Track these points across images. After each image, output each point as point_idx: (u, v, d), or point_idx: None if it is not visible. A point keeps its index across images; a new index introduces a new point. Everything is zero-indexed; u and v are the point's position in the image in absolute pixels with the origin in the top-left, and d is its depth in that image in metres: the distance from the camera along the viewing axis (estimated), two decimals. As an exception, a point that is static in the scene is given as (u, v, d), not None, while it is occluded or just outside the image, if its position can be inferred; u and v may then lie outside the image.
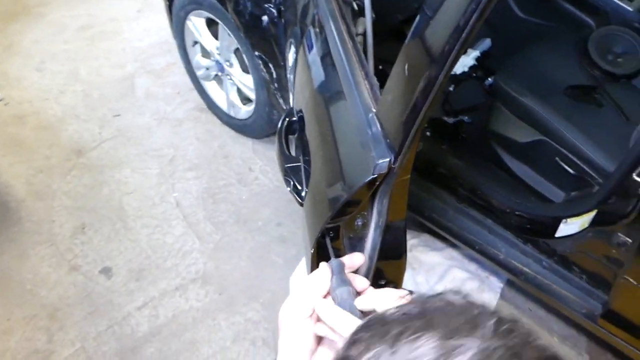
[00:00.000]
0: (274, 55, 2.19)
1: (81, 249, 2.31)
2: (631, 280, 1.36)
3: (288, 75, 1.88)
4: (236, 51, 2.50)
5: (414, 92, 0.65)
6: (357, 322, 0.67)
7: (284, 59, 2.14)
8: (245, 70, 2.51)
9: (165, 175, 2.65)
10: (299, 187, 0.94)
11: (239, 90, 2.67)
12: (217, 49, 2.59)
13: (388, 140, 0.71)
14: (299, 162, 0.98)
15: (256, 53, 2.24)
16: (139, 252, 2.30)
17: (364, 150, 0.75)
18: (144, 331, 2.03)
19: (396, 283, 1.07)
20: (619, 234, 1.46)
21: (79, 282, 2.19)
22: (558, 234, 1.62)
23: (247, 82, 2.53)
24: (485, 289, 2.12)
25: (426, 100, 0.64)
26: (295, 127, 1.13)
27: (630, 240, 1.41)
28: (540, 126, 1.86)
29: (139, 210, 2.47)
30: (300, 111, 1.10)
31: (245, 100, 2.72)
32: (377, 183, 0.73)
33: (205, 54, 2.74)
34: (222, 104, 2.84)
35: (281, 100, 2.32)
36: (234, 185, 2.61)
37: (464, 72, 2.34)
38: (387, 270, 0.98)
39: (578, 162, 1.79)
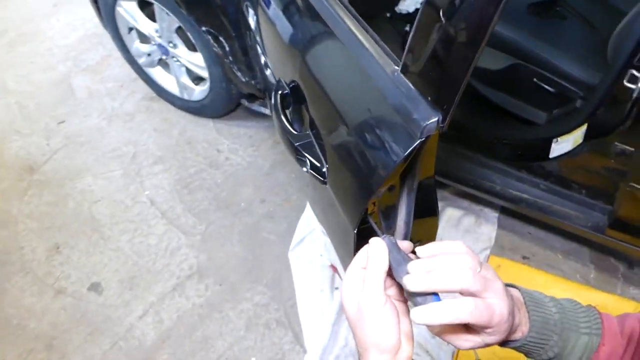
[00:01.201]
0: (223, 27, 2.05)
1: (61, 270, 2.17)
2: (637, 186, 1.37)
3: (251, 43, 1.75)
4: (178, 30, 2.33)
5: (457, 39, 0.58)
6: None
7: (237, 28, 2.01)
8: (192, 48, 2.35)
9: (130, 174, 2.50)
10: (318, 164, 0.86)
11: (189, 71, 2.52)
12: (157, 31, 2.41)
13: (429, 98, 0.64)
14: (309, 138, 0.90)
15: (203, 28, 2.09)
16: (125, 260, 2.18)
17: (398, 113, 0.68)
18: (152, 339, 1.94)
19: (430, 241, 1.03)
20: (617, 144, 1.46)
21: (68, 305, 2.06)
22: (552, 155, 1.62)
23: (196, 61, 2.38)
24: (482, 222, 2.12)
25: (479, 45, 0.57)
26: (289, 101, 1.04)
27: (631, 149, 1.41)
28: (511, 50, 1.83)
29: (113, 216, 2.33)
30: (293, 82, 1.01)
31: (198, 80, 2.57)
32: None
33: (144, 39, 2.55)
34: (173, 89, 2.67)
35: (239, 74, 2.20)
36: (205, 170, 2.50)
37: (417, 10, 2.26)
38: (420, 229, 0.93)
39: (555, 78, 1.77)
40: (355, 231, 0.80)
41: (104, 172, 2.51)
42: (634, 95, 1.33)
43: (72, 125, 2.75)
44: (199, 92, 2.56)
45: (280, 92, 1.03)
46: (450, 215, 2.15)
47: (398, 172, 0.69)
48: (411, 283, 0.63)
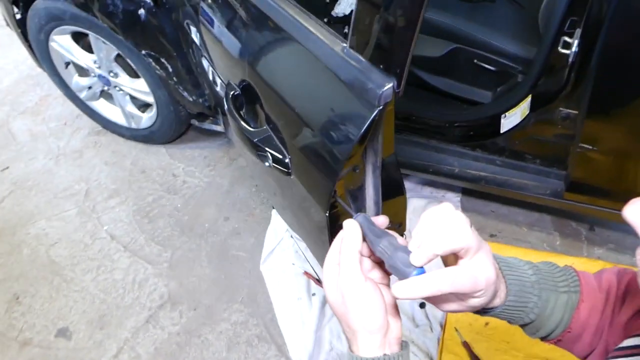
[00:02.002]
0: (163, 48, 2.03)
1: (24, 320, 2.06)
2: (586, 146, 1.42)
3: (196, 59, 1.74)
4: (117, 58, 2.29)
5: (401, 8, 0.59)
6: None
7: (178, 47, 1.99)
8: (134, 75, 2.31)
9: (86, 212, 2.41)
10: (280, 156, 0.85)
11: (134, 99, 2.47)
12: (95, 62, 2.36)
13: (381, 67, 0.65)
14: (267, 133, 0.89)
15: (143, 52, 2.06)
16: (91, 300, 2.09)
17: (353, 86, 0.68)
18: (131, 377, 1.87)
19: (401, 223, 1.03)
20: (561, 109, 1.51)
21: (36, 356, 1.96)
22: (503, 130, 1.66)
23: (140, 87, 2.33)
24: (446, 208, 2.15)
25: (420, 10, 0.57)
26: (241, 101, 1.03)
27: (575, 112, 1.47)
28: (449, 35, 1.88)
29: (73, 257, 2.24)
30: (243, 81, 1.00)
31: (144, 107, 2.52)
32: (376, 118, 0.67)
33: (83, 72, 2.49)
34: (120, 119, 2.62)
35: (186, 94, 2.17)
36: (163, 197, 2.44)
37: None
38: (390, 210, 0.93)
39: (494, 57, 1.83)
40: (327, 214, 0.79)
41: (57, 213, 2.42)
42: (570, 59, 1.39)
43: (17, 170, 2.64)
44: (147, 119, 2.51)
45: (231, 93, 1.01)
46: (415, 205, 2.17)
47: (361, 147, 0.68)
48: (415, 258, 0.62)
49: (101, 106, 2.64)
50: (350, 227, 0.70)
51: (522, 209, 2.08)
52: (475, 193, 2.12)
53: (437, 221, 0.63)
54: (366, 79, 0.65)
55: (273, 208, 2.27)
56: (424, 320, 1.85)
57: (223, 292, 2.06)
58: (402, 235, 1.09)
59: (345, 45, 0.72)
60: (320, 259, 1.23)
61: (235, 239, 2.24)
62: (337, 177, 0.72)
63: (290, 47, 0.83)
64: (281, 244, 2.15)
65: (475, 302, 0.66)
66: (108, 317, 2.03)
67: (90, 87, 2.53)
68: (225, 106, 1.03)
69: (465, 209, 2.15)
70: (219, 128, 2.38)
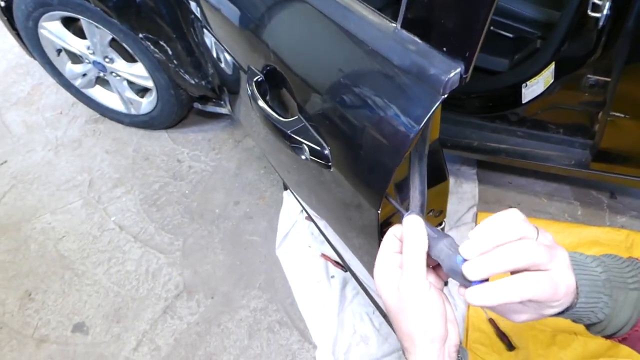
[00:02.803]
0: (162, 30, 1.93)
1: (38, 317, 2.02)
2: (618, 114, 1.37)
3: (198, 38, 1.65)
4: (112, 42, 2.19)
5: None
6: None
7: (177, 28, 1.90)
8: (131, 59, 2.22)
9: (91, 203, 2.35)
10: (319, 148, 0.79)
11: (132, 84, 2.38)
12: (89, 48, 2.26)
13: (444, 49, 0.58)
14: (301, 123, 0.82)
15: (140, 35, 1.96)
16: (105, 293, 2.05)
17: (410, 72, 0.61)
18: (152, 369, 1.84)
19: (442, 210, 0.98)
20: (589, 76, 1.45)
21: (54, 352, 1.92)
22: (525, 100, 1.60)
23: (138, 72, 2.24)
24: (462, 181, 2.10)
25: None
26: (265, 88, 0.96)
27: (605, 79, 1.40)
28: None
29: (82, 250, 2.19)
30: (267, 66, 0.93)
31: (143, 91, 2.43)
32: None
33: (76, 59, 2.39)
34: (118, 106, 2.53)
35: (187, 77, 2.09)
36: (170, 183, 2.38)
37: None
38: (433, 198, 0.87)
39: (511, 23, 1.75)
40: (379, 211, 0.73)
41: (62, 206, 2.35)
42: (600, 23, 1.32)
43: (16, 164, 2.56)
44: (147, 104, 2.42)
45: (254, 79, 0.94)
46: (429, 180, 2.12)
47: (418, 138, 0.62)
48: (471, 271, 0.57)
49: (98, 93, 2.54)
50: (415, 226, 0.64)
51: (540, 180, 2.04)
52: (491, 165, 2.07)
53: (501, 233, 0.57)
54: (427, 63, 0.59)
55: (285, 189, 2.22)
56: (449, 298, 1.82)
57: (239, 278, 2.02)
58: (441, 223, 1.04)
59: (395, 25, 0.65)
60: (364, 256, 1.18)
61: (248, 224, 2.19)
62: (393, 172, 0.66)
63: (325, 28, 0.75)
64: (295, 226, 2.10)
65: (551, 311, 0.62)
66: (124, 310, 1.99)
67: (85, 74, 2.44)
68: (248, 92, 0.95)
69: (482, 182, 2.10)
70: (224, 110, 2.30)
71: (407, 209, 0.77)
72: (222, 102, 2.24)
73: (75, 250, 2.19)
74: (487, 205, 2.02)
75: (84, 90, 2.53)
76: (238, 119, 2.07)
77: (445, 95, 0.59)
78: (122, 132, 2.62)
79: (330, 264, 1.98)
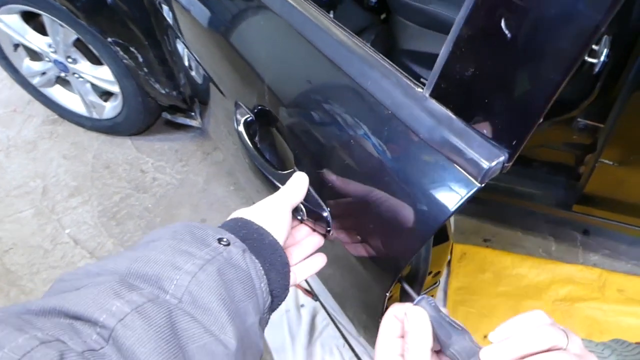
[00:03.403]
0: (134, 36, 1.80)
1: (-21, 338, 1.85)
2: (607, 161, 1.34)
3: (172, 46, 1.53)
4: (76, 42, 2.03)
5: (550, 60, 0.44)
6: None
7: (150, 36, 1.77)
8: (96, 62, 2.07)
9: (44, 213, 2.18)
10: (318, 210, 0.70)
11: (95, 87, 2.22)
12: (50, 46, 2.09)
13: (484, 131, 0.50)
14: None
15: (109, 39, 1.82)
16: (56, 314, 1.89)
17: (441, 151, 0.53)
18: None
19: (440, 270, 0.91)
20: (579, 120, 1.42)
21: (-5, 378, 1.76)
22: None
23: (103, 76, 2.09)
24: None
25: (575, 63, 0.42)
26: (254, 129, 0.86)
27: (597, 124, 1.38)
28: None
29: (31, 265, 2.02)
30: (260, 106, 0.84)
31: (107, 95, 2.28)
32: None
33: (36, 56, 2.22)
34: (79, 108, 2.36)
35: (157, 85, 1.96)
36: (132, 195, 2.24)
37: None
38: (433, 260, 0.81)
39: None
40: (387, 294, 0.66)
41: (11, 214, 2.18)
42: (596, 69, 1.28)
43: (-38, 164, 2.36)
44: (110, 109, 2.27)
45: (243, 119, 0.85)
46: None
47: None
48: None
49: (57, 93, 2.37)
50: (419, 320, 0.57)
51: (517, 213, 2.01)
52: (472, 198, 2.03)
53: (530, 341, 0.51)
54: (463, 145, 0.51)
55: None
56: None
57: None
58: (436, 282, 0.97)
59: (423, 92, 0.57)
60: (360, 328, 1.10)
61: (214, 244, 2.07)
62: (409, 259, 0.58)
63: (338, 81, 0.67)
64: (265, 249, 2.00)
65: None
66: (76, 334, 1.84)
67: (44, 73, 2.27)
68: (236, 128, 0.86)
69: (457, 212, 2.06)
70: (194, 122, 2.18)
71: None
72: (192, 114, 2.12)
73: (23, 265, 2.02)
74: (462, 236, 1.98)
75: (42, 89, 2.36)
76: (208, 132, 1.96)
77: (483, 185, 0.51)
78: (82, 136, 2.46)
79: (300, 292, 1.89)
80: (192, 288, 0.50)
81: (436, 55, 0.54)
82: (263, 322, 0.60)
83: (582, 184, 1.48)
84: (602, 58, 1.27)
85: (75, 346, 0.40)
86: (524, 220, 2.01)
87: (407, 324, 0.58)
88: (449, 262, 1.86)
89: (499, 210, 2.04)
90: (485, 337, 1.71)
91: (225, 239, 0.58)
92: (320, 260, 0.71)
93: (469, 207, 2.08)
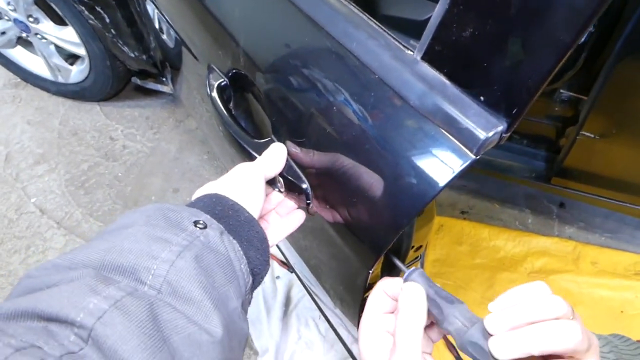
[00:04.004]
0: (100, -5, 1.69)
1: (-60, 311, 1.77)
2: (589, 134, 1.32)
3: (141, 7, 1.45)
4: (38, 0, 1.91)
5: (559, 20, 0.39)
6: None
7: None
8: (60, 22, 1.95)
9: (8, 181, 2.09)
10: (297, 181, 0.65)
11: (59, 49, 2.11)
12: (9, 3, 1.97)
13: (482, 98, 0.46)
14: (269, 141, 0.68)
15: (74, -2, 1.71)
16: (22, 286, 1.83)
17: (432, 119, 0.49)
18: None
19: (422, 244, 0.88)
20: (562, 91, 1.39)
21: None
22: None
23: (68, 37, 1.98)
24: (416, 181, 2.03)
25: (588, 25, 0.38)
26: (229, 94, 0.81)
27: (579, 96, 1.35)
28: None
29: (-5, 235, 1.94)
30: (234, 70, 0.78)
31: (73, 58, 2.17)
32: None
33: (-6, 14, 2.09)
34: (43, 71, 2.25)
35: (126, 48, 1.86)
36: (101, 164, 2.15)
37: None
38: (417, 236, 0.78)
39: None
40: (370, 271, 0.62)
41: (-28, 182, 2.08)
42: (581, 39, 1.25)
43: None
44: (77, 72, 2.16)
45: (216, 83, 0.79)
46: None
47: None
48: (501, 349, 0.48)
49: (19, 55, 2.25)
50: (415, 296, 0.55)
51: (494, 185, 2.00)
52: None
53: (535, 308, 0.49)
54: (458, 113, 0.47)
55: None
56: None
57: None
58: (418, 257, 0.94)
59: (413, 54, 0.52)
60: (336, 301, 1.07)
61: (187, 214, 2.02)
62: (396, 235, 0.54)
63: (319, 42, 0.61)
64: (240, 220, 1.96)
65: None
66: (43, 307, 1.78)
67: (3, 33, 2.13)
68: (209, 93, 0.80)
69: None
70: (165, 89, 2.09)
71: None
72: (163, 79, 2.03)
73: (-14, 235, 1.94)
74: (440, 208, 1.97)
75: (2, 51, 2.23)
76: (180, 98, 1.88)
77: (478, 157, 0.47)
78: (47, 101, 2.34)
79: (275, 264, 1.86)
80: (170, 277, 0.46)
81: (420, 22, 0.49)
82: (246, 304, 0.56)
83: (562, 157, 1.46)
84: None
85: (52, 350, 0.36)
86: (502, 193, 2.00)
87: (401, 301, 0.55)
88: (427, 235, 1.84)
89: (476, 183, 2.03)
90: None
91: (201, 222, 0.54)
92: (299, 216, 0.68)
93: (447, 179, 2.06)
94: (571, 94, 1.38)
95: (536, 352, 0.47)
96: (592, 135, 1.32)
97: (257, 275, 0.57)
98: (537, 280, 0.51)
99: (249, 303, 0.58)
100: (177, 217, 0.53)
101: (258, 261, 0.57)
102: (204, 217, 0.54)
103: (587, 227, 1.91)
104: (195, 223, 0.53)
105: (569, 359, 0.48)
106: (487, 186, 2.01)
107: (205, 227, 0.53)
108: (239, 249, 0.54)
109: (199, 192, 0.62)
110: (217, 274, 0.50)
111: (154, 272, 0.45)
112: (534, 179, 1.59)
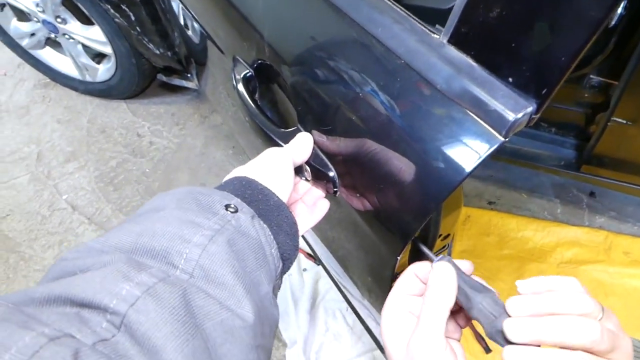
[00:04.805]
0: (125, -7, 1.72)
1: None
2: (620, 120, 1.29)
3: (165, 4, 1.46)
4: (65, 1, 1.95)
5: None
6: None
7: (142, -6, 1.69)
8: (87, 22, 1.99)
9: (40, 178, 2.14)
10: (324, 169, 0.66)
11: (87, 48, 2.15)
12: (37, 5, 2.01)
13: (510, 80, 0.46)
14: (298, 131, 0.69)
15: (100, -3, 1.74)
16: (55, 281, 1.88)
17: (460, 101, 0.48)
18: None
19: (450, 233, 0.88)
20: (592, 76, 1.36)
21: None
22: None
23: (94, 36, 2.02)
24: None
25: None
26: (254, 85, 0.81)
27: (610, 81, 1.32)
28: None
29: (30, 231, 2.00)
30: (259, 61, 0.78)
31: (99, 57, 2.21)
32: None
33: (23, 16, 2.13)
34: (71, 71, 2.29)
35: (151, 45, 1.88)
36: (129, 160, 2.19)
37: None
38: (444, 226, 0.77)
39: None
40: (398, 257, 0.62)
41: (6, 180, 2.13)
42: (612, 22, 1.22)
43: (-47, 130, 2.31)
44: (104, 71, 2.20)
45: (242, 74, 0.79)
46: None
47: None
48: (515, 331, 0.48)
49: (48, 55, 2.30)
50: (445, 276, 0.55)
51: (521, 175, 1.97)
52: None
53: (561, 300, 0.48)
54: (486, 95, 0.46)
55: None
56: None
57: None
58: (445, 246, 0.94)
59: (439, 38, 0.52)
60: (365, 293, 1.07)
61: (214, 208, 2.04)
62: (424, 220, 0.54)
63: (345, 29, 0.61)
64: (266, 214, 1.97)
65: None
66: (76, 300, 1.83)
67: (33, 34, 2.19)
68: (234, 85, 0.81)
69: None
70: (190, 84, 2.11)
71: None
72: (188, 75, 2.05)
73: (21, 231, 1.99)
74: (466, 199, 1.95)
75: (32, 52, 2.28)
76: (205, 94, 1.90)
77: (507, 140, 0.47)
78: (76, 100, 2.39)
79: (302, 256, 1.87)
80: (203, 262, 0.46)
81: (443, 11, 0.49)
82: (276, 289, 0.57)
83: (592, 144, 1.43)
84: (618, 10, 1.20)
85: (85, 338, 0.37)
86: (529, 183, 1.97)
87: (431, 279, 0.55)
88: (454, 225, 1.83)
89: (503, 172, 2.00)
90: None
91: (232, 205, 0.54)
92: (324, 205, 0.68)
93: (473, 169, 2.04)
94: (601, 79, 1.35)
95: (548, 342, 0.47)
96: (624, 121, 1.29)
97: (286, 260, 0.57)
98: (570, 277, 0.51)
99: (279, 288, 0.58)
100: (209, 201, 0.53)
101: (288, 246, 0.57)
102: (235, 201, 0.54)
103: (618, 216, 1.87)
104: (227, 207, 0.53)
105: (591, 354, 0.47)
106: (515, 176, 1.98)
107: (236, 211, 0.53)
108: (270, 233, 0.54)
109: (229, 176, 0.63)
110: (249, 259, 0.50)
111: (187, 256, 0.46)
112: (563, 168, 1.56)
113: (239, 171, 0.62)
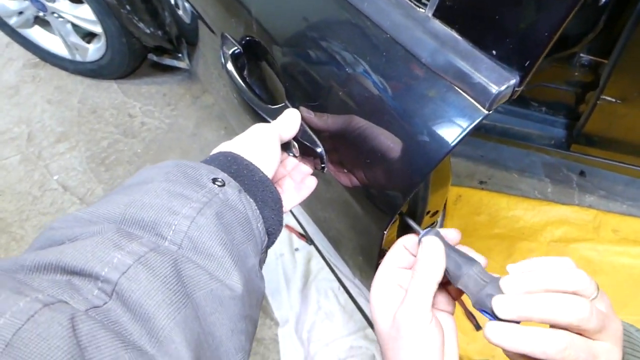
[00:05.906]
0: (113, -30, 1.69)
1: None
2: (610, 98, 1.29)
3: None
4: (54, -22, 1.92)
5: None
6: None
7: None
8: (76, 0, 1.96)
9: (31, 159, 2.13)
10: (311, 145, 0.66)
11: (76, 27, 2.12)
12: (25, -18, 1.98)
13: (494, 52, 0.46)
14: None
15: (87, -26, 1.71)
16: (48, 261, 1.88)
17: (445, 75, 0.48)
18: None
19: (438, 210, 0.89)
20: (582, 55, 1.36)
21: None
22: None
23: (84, 15, 1.99)
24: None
25: None
26: (243, 62, 0.81)
27: (600, 60, 1.32)
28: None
29: (21, 212, 1.99)
30: (247, 37, 0.78)
31: (89, 36, 2.18)
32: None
33: (11, -7, 2.10)
34: (61, 50, 2.27)
35: (141, 25, 1.86)
36: (120, 141, 2.18)
37: None
38: (432, 203, 0.78)
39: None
40: (385, 232, 0.63)
41: (-4, 161, 2.13)
42: (603, 0, 1.22)
43: (-58, 110, 2.28)
44: (94, 50, 2.18)
45: (230, 51, 0.79)
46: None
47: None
48: (502, 307, 0.48)
49: (37, 34, 2.27)
50: (433, 248, 0.55)
51: (512, 155, 1.98)
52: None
53: (556, 278, 0.48)
54: (469, 68, 0.47)
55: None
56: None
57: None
58: (434, 223, 0.95)
59: (425, 12, 0.52)
60: (355, 271, 1.08)
61: (206, 189, 2.04)
62: (410, 194, 0.55)
63: (330, 3, 0.61)
64: (258, 194, 1.98)
65: None
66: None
67: (21, 12, 2.15)
68: (222, 62, 0.80)
69: (453, 154, 2.03)
70: (181, 64, 2.10)
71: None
72: (179, 55, 2.03)
73: (12, 212, 1.99)
74: (457, 179, 1.96)
75: (21, 31, 2.25)
76: (196, 74, 1.89)
77: (490, 112, 0.47)
78: (66, 80, 2.37)
79: (294, 236, 1.88)
80: (192, 233, 0.47)
81: None
82: (262, 262, 0.57)
83: (582, 123, 1.44)
84: (609, -12, 1.20)
85: (78, 305, 0.37)
86: (520, 162, 1.98)
87: (420, 251, 0.56)
88: (444, 204, 1.84)
89: (494, 152, 2.01)
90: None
91: (220, 179, 0.54)
92: (312, 183, 0.68)
93: (464, 149, 2.04)
94: (591, 57, 1.35)
95: (536, 319, 0.47)
96: (613, 100, 1.30)
97: (271, 235, 0.58)
98: (563, 257, 0.51)
99: (264, 262, 0.59)
100: (196, 174, 0.53)
101: (272, 221, 0.57)
102: (222, 175, 0.55)
103: (608, 195, 1.89)
104: (214, 180, 0.53)
105: (578, 333, 0.47)
106: (505, 156, 1.99)
107: (223, 184, 0.53)
108: (256, 208, 0.55)
109: (215, 151, 0.63)
110: (237, 232, 0.51)
111: (175, 228, 0.46)
112: (553, 147, 1.57)
113: (225, 146, 0.62)
